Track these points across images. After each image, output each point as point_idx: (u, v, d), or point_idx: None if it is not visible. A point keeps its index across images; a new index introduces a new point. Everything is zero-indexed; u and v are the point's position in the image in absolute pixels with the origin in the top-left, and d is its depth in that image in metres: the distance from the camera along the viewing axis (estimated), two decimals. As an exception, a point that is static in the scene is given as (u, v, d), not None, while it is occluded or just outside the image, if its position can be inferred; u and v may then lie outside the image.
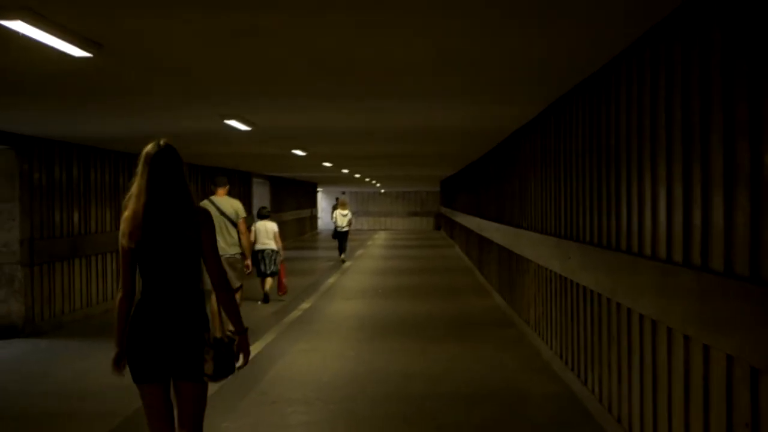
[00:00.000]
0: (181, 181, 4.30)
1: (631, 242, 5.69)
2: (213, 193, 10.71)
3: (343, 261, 24.03)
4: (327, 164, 20.46)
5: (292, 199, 35.66)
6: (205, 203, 10.31)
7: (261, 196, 29.39)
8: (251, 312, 12.92)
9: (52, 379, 8.77)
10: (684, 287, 4.48)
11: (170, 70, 6.56)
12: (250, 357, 4.45)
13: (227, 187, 10.92)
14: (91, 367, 9.14)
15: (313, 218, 43.91)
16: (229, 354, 4.23)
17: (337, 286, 17.63)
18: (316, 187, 45.46)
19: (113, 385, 8.03)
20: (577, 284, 7.42)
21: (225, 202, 10.58)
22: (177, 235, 4.22)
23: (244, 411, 7.22)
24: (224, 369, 4.20)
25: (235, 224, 10.47)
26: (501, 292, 14.06)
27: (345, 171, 25.67)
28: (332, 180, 37.50)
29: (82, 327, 12.30)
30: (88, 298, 13.58)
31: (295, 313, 13.28)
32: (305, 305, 14.33)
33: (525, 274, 10.98)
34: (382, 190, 51.58)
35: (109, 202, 14.50)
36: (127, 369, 4.35)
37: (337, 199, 41.80)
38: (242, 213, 10.59)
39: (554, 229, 8.65)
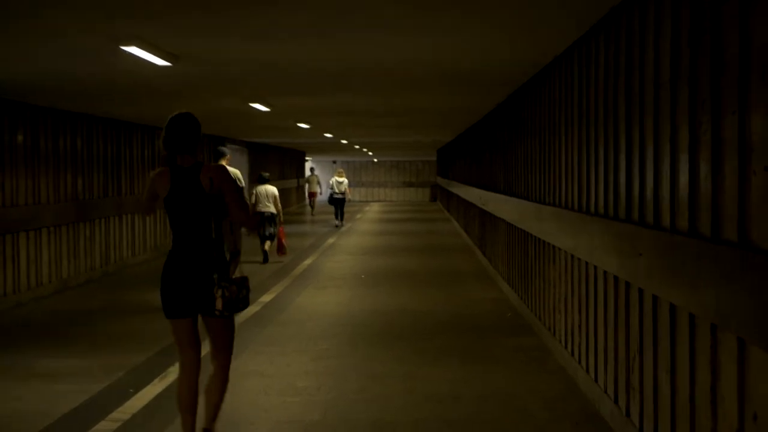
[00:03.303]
0: (195, 143, 4.93)
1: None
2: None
3: (340, 226, 24.84)
4: (303, 125, 17.49)
5: (275, 168, 32.74)
6: None
7: (239, 164, 26.43)
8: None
9: None
10: None
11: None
12: None
13: (228, 156, 12.09)
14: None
15: (301, 189, 40.96)
16: (239, 290, 4.90)
17: (314, 269, 14.77)
18: (304, 156, 42.48)
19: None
20: (656, 298, 4.56)
21: None
22: (194, 190, 4.86)
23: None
24: (233, 305, 4.86)
25: None
26: (511, 282, 11.20)
27: (328, 135, 22.69)
28: (320, 148, 34.55)
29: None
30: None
31: (252, 309, 10.42)
32: (267, 297, 11.47)
33: (549, 264, 8.12)
34: (375, 160, 48.66)
35: (24, 169, 11.61)
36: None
37: (312, 169, 39.07)
38: (241, 182, 10.99)
39: (607, 207, 5.77)
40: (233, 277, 4.95)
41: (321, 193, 34.47)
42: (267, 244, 15.52)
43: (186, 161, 4.92)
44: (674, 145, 4.26)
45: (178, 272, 4.89)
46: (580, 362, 6.68)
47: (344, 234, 23.14)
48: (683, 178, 4.12)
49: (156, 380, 7.00)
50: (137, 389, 6.70)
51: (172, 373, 7.22)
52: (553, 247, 7.79)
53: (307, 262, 15.94)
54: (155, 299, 11.32)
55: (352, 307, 10.68)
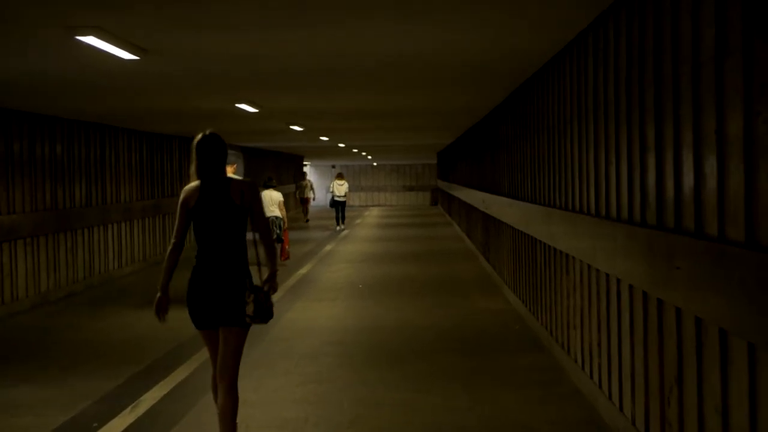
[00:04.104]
0: (224, 164, 5.09)
1: None
2: None
3: (341, 230, 25.34)
4: (296, 128, 16.74)
5: (272, 172, 31.99)
6: None
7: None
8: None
9: None
10: None
11: None
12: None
13: (234, 165, 11.82)
14: None
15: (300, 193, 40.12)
16: (267, 299, 4.95)
17: (309, 279, 14.04)
18: (302, 160, 41.70)
19: None
20: (700, 321, 3.81)
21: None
22: (221, 204, 4.97)
23: None
24: (263, 312, 4.92)
25: None
26: (518, 291, 10.45)
27: (324, 138, 21.95)
28: (318, 152, 33.84)
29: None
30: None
31: (239, 325, 9.65)
32: (257, 311, 10.69)
33: (561, 274, 7.38)
34: (375, 163, 47.91)
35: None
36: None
37: (303, 174, 38.40)
38: None
39: (632, 211, 5.01)
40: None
41: (314, 199, 33.63)
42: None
43: (215, 175, 5.08)
44: (722, 138, 3.52)
45: (206, 284, 4.92)
46: (600, 386, 5.93)
47: (343, 240, 22.41)
48: (735, 179, 3.37)
49: (125, 411, 6.25)
50: (102, 422, 5.96)
51: (144, 402, 6.49)
52: (566, 255, 7.05)
53: (303, 271, 15.20)
54: (138, 314, 10.72)
55: (347, 322, 9.94)
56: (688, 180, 3.94)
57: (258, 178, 28.37)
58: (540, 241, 8.41)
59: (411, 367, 7.51)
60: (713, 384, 3.65)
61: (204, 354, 8.34)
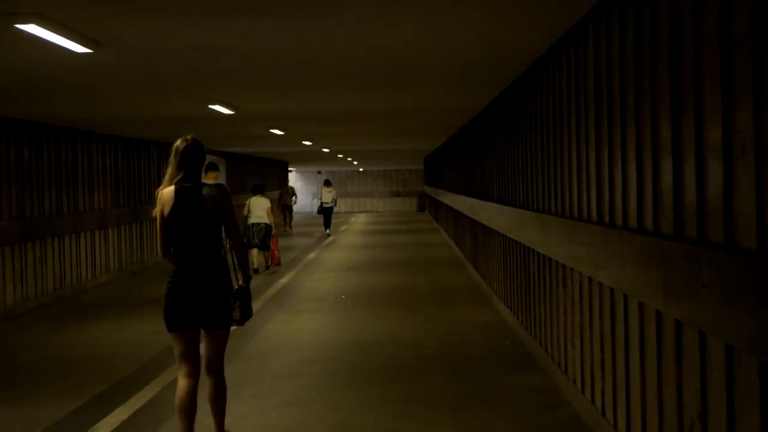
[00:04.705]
0: (200, 167, 5.17)
1: None
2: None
3: (328, 235, 25.28)
4: (277, 131, 16.10)
5: (255, 179, 31.36)
6: None
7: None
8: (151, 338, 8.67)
9: None
10: None
11: None
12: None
13: (216, 173, 12.60)
14: None
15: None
16: (249, 301, 5.21)
17: (290, 289, 13.43)
18: (287, 166, 41.03)
19: None
20: (731, 349, 3.22)
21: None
22: (198, 208, 5.02)
23: None
24: (247, 314, 5.19)
25: None
26: (508, 302, 9.86)
27: (307, 143, 21.32)
28: (302, 158, 33.19)
29: None
30: None
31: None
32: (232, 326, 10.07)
33: (557, 286, 6.79)
34: (361, 169, 47.30)
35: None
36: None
37: (285, 180, 37.79)
38: None
39: (642, 219, 4.42)
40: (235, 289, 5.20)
41: (295, 203, 33.17)
42: (262, 255, 15.74)
43: (190, 181, 5.14)
44: (762, 131, 2.94)
45: (187, 288, 5.01)
46: (604, 413, 5.34)
47: (327, 247, 21.79)
48: None
49: (78, 441, 5.64)
50: (49, 456, 5.35)
51: (101, 429, 5.86)
52: (563, 266, 6.46)
53: (284, 280, 14.58)
54: (110, 327, 10.09)
55: (329, 336, 9.32)
56: (715, 183, 3.35)
57: (240, 185, 27.80)
58: (533, 250, 7.83)
59: (395, 388, 6.90)
60: (751, 427, 3.06)
61: (173, 372, 7.77)
